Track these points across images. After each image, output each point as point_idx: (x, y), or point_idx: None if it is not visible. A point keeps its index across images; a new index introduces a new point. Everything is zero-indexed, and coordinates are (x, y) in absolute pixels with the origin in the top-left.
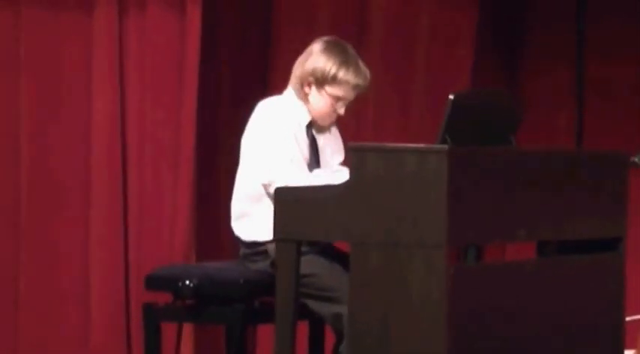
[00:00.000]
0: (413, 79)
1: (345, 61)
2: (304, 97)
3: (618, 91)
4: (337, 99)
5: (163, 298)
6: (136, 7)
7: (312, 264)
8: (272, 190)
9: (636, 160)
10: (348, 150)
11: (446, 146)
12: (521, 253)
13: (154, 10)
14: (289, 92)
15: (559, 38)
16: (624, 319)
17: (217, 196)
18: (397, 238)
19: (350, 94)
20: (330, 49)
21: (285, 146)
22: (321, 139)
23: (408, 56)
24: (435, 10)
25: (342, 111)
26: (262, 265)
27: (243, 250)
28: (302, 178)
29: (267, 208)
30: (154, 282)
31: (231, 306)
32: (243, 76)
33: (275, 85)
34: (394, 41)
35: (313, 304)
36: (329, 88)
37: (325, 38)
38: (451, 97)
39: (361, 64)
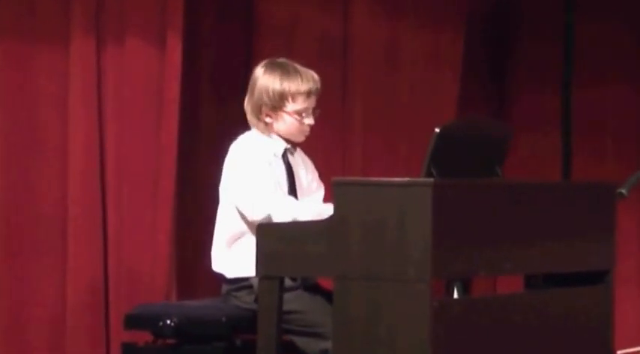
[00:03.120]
0: (398, 106)
1: (286, 74)
2: (266, 128)
3: (607, 116)
4: (300, 113)
5: (144, 337)
6: (114, 40)
7: (298, 300)
8: (260, 215)
9: (623, 191)
10: (331, 184)
11: (430, 179)
12: (512, 286)
13: (132, 43)
14: (254, 131)
15: (546, 61)
16: (613, 353)
17: (199, 232)
18: (381, 272)
19: (309, 102)
20: (269, 69)
21: (268, 178)
22: (297, 170)
23: (393, 83)
24: (420, 35)
25: (311, 121)
26: (247, 299)
27: (225, 287)
28: (293, 204)
29: (250, 245)
30: (133, 321)
31: (213, 345)
32: (226, 108)
33: None
34: (378, 67)
35: (300, 341)
36: (286, 107)
37: (260, 65)
38: (437, 130)
39: (303, 69)
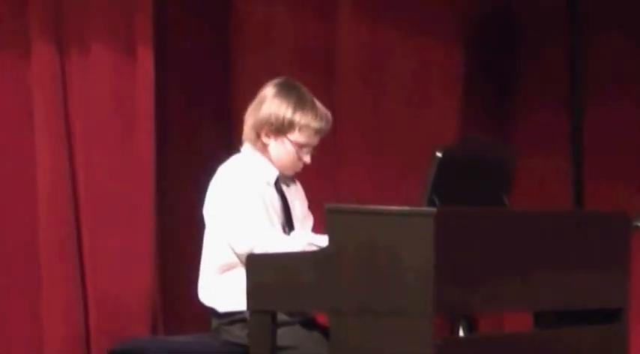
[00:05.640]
0: (389, 124)
1: (301, 104)
2: (262, 148)
3: (620, 136)
4: (300, 146)
5: None
6: (77, 48)
7: (293, 335)
8: None
9: (639, 224)
10: (324, 211)
11: (432, 209)
12: (521, 323)
13: (97, 51)
14: (247, 148)
15: (554, 76)
16: None
17: (184, 258)
18: (379, 307)
19: (313, 140)
20: (284, 92)
21: (257, 210)
22: (290, 195)
23: (383, 98)
24: (414, 45)
25: (308, 159)
26: (240, 334)
27: (216, 322)
28: (284, 242)
29: (244, 277)
30: None
31: None
32: (203, 123)
33: (236, 131)
34: (366, 82)
35: None
36: (290, 136)
37: (276, 81)
38: (439, 154)
39: (319, 105)
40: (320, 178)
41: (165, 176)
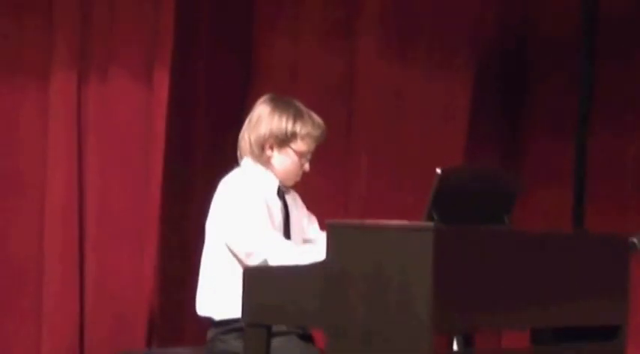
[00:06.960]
0: (404, 150)
1: (300, 116)
2: (267, 161)
3: (626, 166)
4: (301, 155)
5: None
6: (96, 75)
7: (288, 346)
8: (255, 261)
9: (635, 240)
10: (326, 227)
11: (431, 224)
12: (517, 340)
13: (116, 78)
14: (247, 161)
15: (563, 106)
16: None
17: (184, 275)
18: (377, 324)
19: (312, 147)
20: (280, 107)
21: (262, 215)
22: (292, 211)
23: (399, 126)
24: (430, 76)
25: (307, 167)
26: (235, 344)
27: (212, 332)
28: (291, 249)
29: (240, 285)
30: None
31: None
32: (221, 147)
33: None
34: (384, 109)
35: None
36: (294, 145)
37: (265, 98)
38: (438, 171)
39: (313, 114)
40: (331, 200)
41: (179, 199)
